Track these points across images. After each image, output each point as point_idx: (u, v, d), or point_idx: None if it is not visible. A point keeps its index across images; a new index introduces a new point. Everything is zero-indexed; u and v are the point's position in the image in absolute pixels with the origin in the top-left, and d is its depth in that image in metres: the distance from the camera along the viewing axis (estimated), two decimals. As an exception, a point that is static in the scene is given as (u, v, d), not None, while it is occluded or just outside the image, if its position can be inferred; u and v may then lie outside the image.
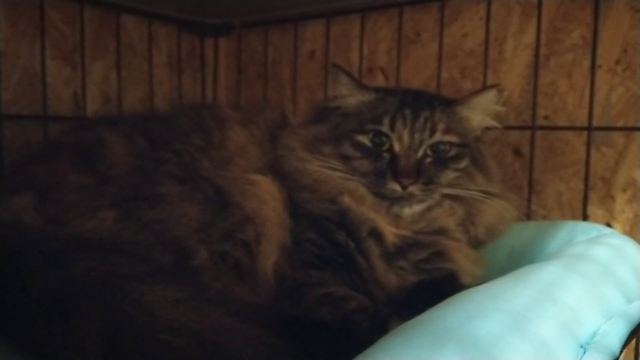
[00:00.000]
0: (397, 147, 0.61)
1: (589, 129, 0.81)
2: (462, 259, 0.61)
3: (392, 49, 1.01)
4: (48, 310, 0.45)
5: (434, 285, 0.56)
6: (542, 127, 0.87)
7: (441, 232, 0.62)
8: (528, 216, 0.85)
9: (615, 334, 0.36)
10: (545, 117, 0.88)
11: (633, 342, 0.77)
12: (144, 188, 0.57)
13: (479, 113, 0.68)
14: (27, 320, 0.45)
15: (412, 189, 0.59)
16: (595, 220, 0.83)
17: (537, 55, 0.85)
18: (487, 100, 0.67)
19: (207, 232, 0.55)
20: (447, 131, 0.63)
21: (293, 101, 1.11)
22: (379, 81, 1.03)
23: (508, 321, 0.30)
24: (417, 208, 0.62)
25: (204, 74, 1.20)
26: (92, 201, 0.56)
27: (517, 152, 0.90)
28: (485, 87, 0.70)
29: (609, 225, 0.82)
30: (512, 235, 0.68)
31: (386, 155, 0.62)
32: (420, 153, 0.62)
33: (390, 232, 0.60)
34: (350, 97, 0.66)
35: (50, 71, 0.92)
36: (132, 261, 0.50)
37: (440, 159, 0.63)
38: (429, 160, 0.62)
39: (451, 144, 0.63)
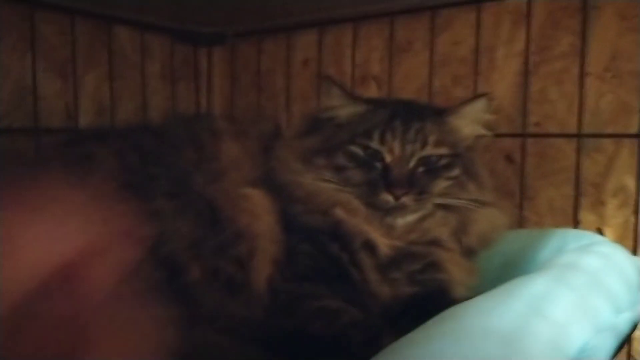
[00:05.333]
0: (388, 158, 0.62)
1: (579, 135, 0.82)
2: (455, 270, 0.61)
3: (384, 58, 1.01)
4: None
5: (427, 299, 0.56)
6: (532, 135, 0.87)
7: (434, 242, 0.62)
8: (520, 223, 0.86)
9: (603, 348, 0.36)
10: (536, 124, 0.88)
11: (625, 347, 0.77)
12: (135, 204, 0.57)
13: (470, 122, 0.68)
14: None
15: (405, 199, 0.60)
16: (587, 226, 0.83)
17: (527, 63, 0.86)
18: (478, 110, 0.68)
19: (199, 247, 0.55)
20: (438, 143, 0.63)
21: (287, 110, 1.11)
22: (372, 89, 1.03)
23: (497, 341, 0.30)
24: (410, 218, 0.62)
25: (198, 83, 1.20)
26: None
27: (509, 159, 0.91)
28: (475, 96, 0.71)
29: (599, 230, 0.83)
30: (505, 244, 0.68)
31: (378, 165, 0.62)
32: (411, 164, 0.62)
33: (384, 243, 0.60)
34: (342, 109, 0.67)
35: (42, 84, 0.92)
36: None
37: (432, 168, 0.63)
38: (420, 170, 0.62)
39: (442, 155, 0.63)
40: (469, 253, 0.65)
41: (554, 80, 0.87)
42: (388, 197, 0.60)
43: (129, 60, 1.06)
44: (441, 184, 0.63)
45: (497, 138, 0.88)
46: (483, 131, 0.70)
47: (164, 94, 1.13)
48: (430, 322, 0.36)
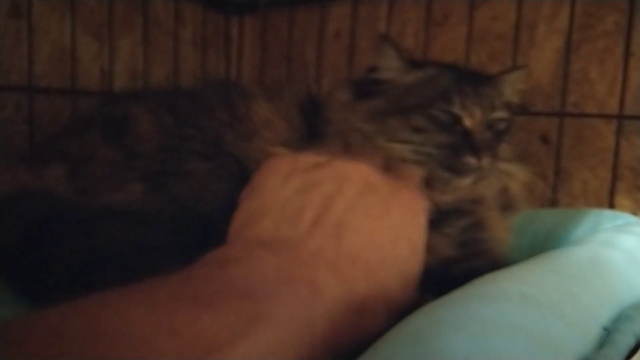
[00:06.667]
0: (468, 122, 0.60)
1: (620, 117, 0.80)
2: (496, 228, 0.60)
3: (419, 31, 0.99)
4: (73, 275, 0.47)
5: (470, 262, 0.56)
6: (570, 114, 0.85)
7: (479, 200, 0.61)
8: (553, 204, 0.84)
9: (636, 322, 0.36)
10: (574, 104, 0.86)
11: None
12: (171, 164, 0.58)
13: (512, 90, 0.68)
14: (52, 284, 0.47)
15: (485, 162, 0.59)
16: (621, 210, 0.81)
17: (569, 41, 0.83)
18: (518, 79, 0.68)
19: (231, 209, 0.56)
20: (502, 107, 0.63)
21: (317, 81, 1.11)
22: (404, 64, 1.01)
23: (536, 307, 0.30)
24: (471, 179, 0.61)
25: (229, 52, 1.20)
26: (121, 174, 0.58)
27: (544, 139, 0.89)
28: (515, 67, 0.71)
29: (635, 215, 0.81)
30: (536, 222, 0.67)
31: (458, 129, 0.61)
32: (487, 128, 0.61)
33: (443, 202, 0.59)
34: (399, 71, 0.64)
35: (79, 46, 0.93)
36: (158, 234, 0.51)
37: (497, 133, 0.62)
38: (491, 134, 0.62)
39: (503, 119, 0.63)
40: (509, 209, 0.64)
41: (596, 60, 0.84)
42: (472, 160, 0.58)
43: (162, 27, 1.07)
44: (503, 147, 0.62)
45: (532, 117, 0.87)
46: (517, 100, 0.69)
47: (194, 61, 1.14)
48: (469, 284, 0.35)
